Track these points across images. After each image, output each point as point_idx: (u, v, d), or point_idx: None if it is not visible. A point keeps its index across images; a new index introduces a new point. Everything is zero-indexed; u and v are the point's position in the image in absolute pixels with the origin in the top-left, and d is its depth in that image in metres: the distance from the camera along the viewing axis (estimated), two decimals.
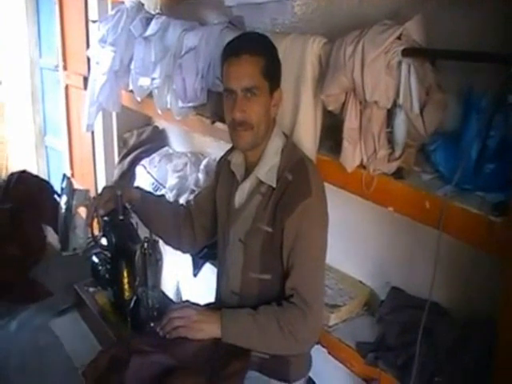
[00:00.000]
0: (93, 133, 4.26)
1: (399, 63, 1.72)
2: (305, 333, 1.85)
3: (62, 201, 2.31)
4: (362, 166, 1.88)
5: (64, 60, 4.87)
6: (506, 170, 1.55)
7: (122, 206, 2.16)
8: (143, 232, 2.13)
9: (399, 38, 1.73)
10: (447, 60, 1.77)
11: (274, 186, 1.90)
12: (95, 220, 2.20)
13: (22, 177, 2.85)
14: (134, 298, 1.96)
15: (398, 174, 1.81)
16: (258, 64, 1.85)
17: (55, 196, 2.66)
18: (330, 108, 1.91)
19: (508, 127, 1.56)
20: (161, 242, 2.07)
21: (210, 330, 1.83)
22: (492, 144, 1.61)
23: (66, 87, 4.91)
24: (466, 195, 1.63)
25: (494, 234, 1.50)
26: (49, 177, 6.03)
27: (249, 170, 2.01)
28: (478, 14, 1.73)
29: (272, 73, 1.90)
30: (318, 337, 1.96)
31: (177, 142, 3.87)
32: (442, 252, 1.67)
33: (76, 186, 2.36)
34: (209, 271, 2.84)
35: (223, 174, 2.15)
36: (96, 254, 2.24)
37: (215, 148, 3.25)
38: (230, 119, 1.92)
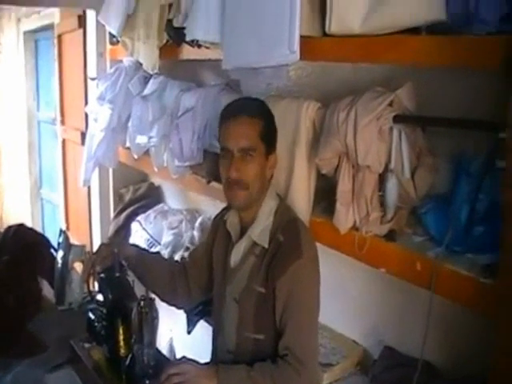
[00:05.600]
0: (89, 187, 4.27)
1: (391, 129, 1.78)
2: None
3: (59, 255, 2.32)
4: (354, 227, 1.92)
5: (62, 115, 4.95)
6: (494, 233, 1.55)
7: (118, 264, 2.18)
8: (139, 290, 2.15)
9: (391, 104, 1.79)
10: (437, 127, 1.83)
11: (267, 246, 1.93)
12: (91, 276, 2.22)
13: (20, 230, 2.85)
14: (130, 355, 1.96)
15: (390, 235, 1.85)
16: (255, 126, 1.90)
17: (52, 250, 2.67)
18: (324, 171, 1.97)
19: (496, 191, 1.59)
20: (157, 300, 2.08)
21: None
22: (481, 207, 1.66)
23: (63, 141, 4.97)
24: (456, 257, 1.67)
25: (485, 294, 1.53)
26: (43, 229, 6.04)
27: (244, 229, 2.04)
28: (468, 82, 1.79)
29: (268, 136, 1.95)
30: None
31: (172, 199, 3.90)
32: (434, 312, 1.69)
33: (71, 239, 2.38)
34: (202, 329, 2.84)
35: (219, 233, 2.17)
36: (92, 310, 2.24)
37: (210, 206, 3.26)
38: (225, 178, 1.95)
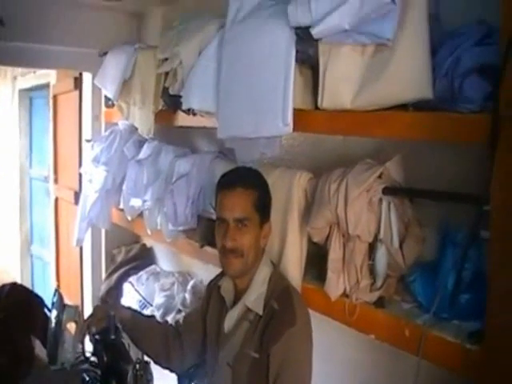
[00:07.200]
0: (81, 246, 4.27)
1: (380, 200, 1.85)
2: None
3: (53, 315, 2.31)
4: (345, 294, 1.97)
5: (55, 173, 4.99)
6: (480, 300, 1.60)
7: (113, 326, 2.20)
8: (134, 353, 2.16)
9: (380, 176, 1.87)
10: (424, 198, 1.91)
11: (261, 313, 1.97)
12: (86, 337, 2.24)
13: (14, 288, 2.85)
14: None
15: (379, 302, 1.90)
16: (250, 197, 1.97)
17: (45, 310, 2.68)
18: (315, 240, 2.02)
19: (481, 260, 1.66)
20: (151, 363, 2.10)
21: None
22: (467, 275, 1.71)
23: (56, 199, 5.00)
24: (443, 324, 1.72)
25: (471, 360, 1.57)
26: (33, 285, 5.99)
27: (238, 296, 2.08)
28: (454, 156, 1.87)
29: (263, 206, 2.02)
30: None
31: (164, 261, 3.91)
32: (422, 376, 1.72)
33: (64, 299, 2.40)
34: None
35: (213, 298, 2.21)
36: (86, 372, 2.24)
37: (202, 269, 3.30)
38: (220, 246, 2.01)
